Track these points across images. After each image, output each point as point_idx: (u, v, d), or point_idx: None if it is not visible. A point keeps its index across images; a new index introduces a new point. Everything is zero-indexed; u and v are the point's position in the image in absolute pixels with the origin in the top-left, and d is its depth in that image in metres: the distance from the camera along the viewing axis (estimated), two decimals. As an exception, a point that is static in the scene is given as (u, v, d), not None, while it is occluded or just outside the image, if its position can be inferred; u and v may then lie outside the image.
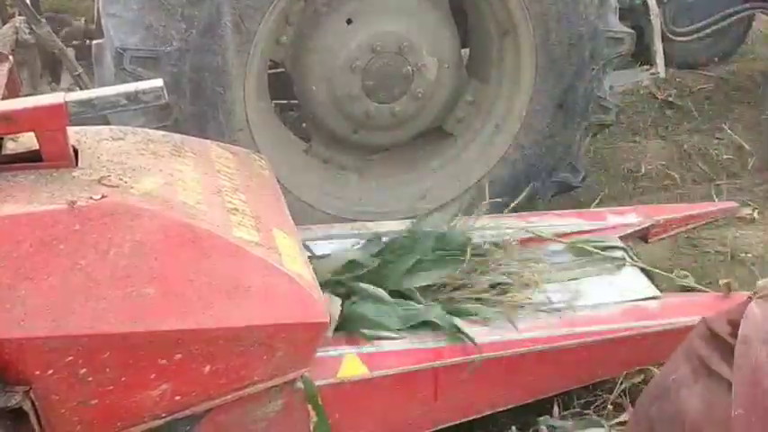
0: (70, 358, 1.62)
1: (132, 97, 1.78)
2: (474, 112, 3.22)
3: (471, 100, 3.21)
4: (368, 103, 3.00)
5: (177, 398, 1.75)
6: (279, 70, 3.12)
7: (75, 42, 3.48)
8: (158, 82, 1.80)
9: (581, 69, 3.01)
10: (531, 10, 2.90)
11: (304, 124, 3.31)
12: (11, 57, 2.26)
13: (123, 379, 1.68)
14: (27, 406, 1.61)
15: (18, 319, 1.57)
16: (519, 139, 3.11)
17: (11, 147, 1.83)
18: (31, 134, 1.76)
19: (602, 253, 2.50)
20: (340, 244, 2.51)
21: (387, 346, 2.08)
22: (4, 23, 3.10)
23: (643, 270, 2.53)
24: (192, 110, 2.68)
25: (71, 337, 1.60)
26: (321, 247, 2.45)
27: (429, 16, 3.02)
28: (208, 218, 1.78)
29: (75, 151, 1.82)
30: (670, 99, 4.62)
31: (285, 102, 3.34)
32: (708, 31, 3.94)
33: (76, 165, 1.78)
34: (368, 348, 2.06)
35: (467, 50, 3.32)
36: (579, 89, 3.05)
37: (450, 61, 3.08)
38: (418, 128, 3.18)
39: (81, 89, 3.11)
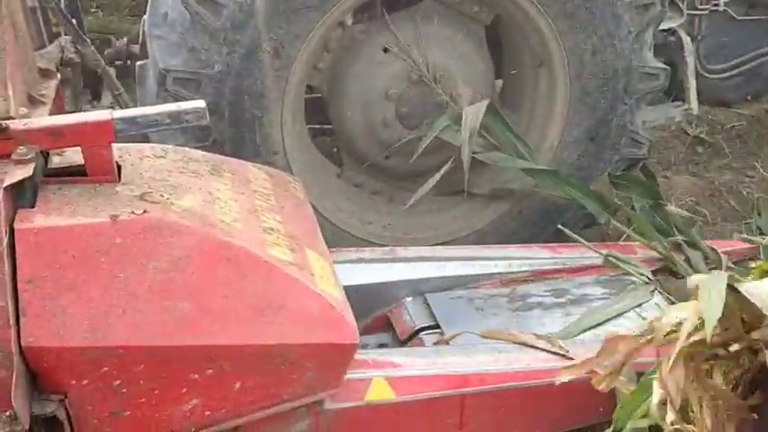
0: (105, 369, 1.64)
1: (175, 117, 1.82)
2: (506, 142, 3.23)
3: (504, 130, 3.23)
4: (401, 129, 3.04)
5: (207, 413, 1.77)
6: (314, 95, 3.17)
7: (116, 63, 3.56)
8: (200, 103, 1.84)
9: (614, 103, 3.03)
10: (566, 43, 2.93)
11: (335, 149, 3.35)
12: (58, 74, 2.33)
13: (156, 392, 1.70)
14: (62, 415, 1.64)
15: (57, 328, 1.60)
16: (550, 171, 3.12)
17: (56, 161, 1.88)
18: (77, 149, 1.81)
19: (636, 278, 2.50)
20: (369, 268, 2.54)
21: (414, 370, 2.09)
22: (51, 42, 3.18)
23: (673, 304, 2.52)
24: (231, 131, 2.74)
25: (108, 349, 1.63)
26: (351, 271, 2.48)
27: (464, 47, 3.06)
28: (244, 236, 1.81)
29: (119, 167, 1.86)
30: (702, 136, 4.61)
31: (319, 126, 3.39)
32: (741, 69, 3.94)
33: (119, 180, 1.82)
34: (396, 372, 2.07)
35: (500, 81, 3.36)
36: (612, 123, 3.06)
37: (483, 91, 3.11)
38: (450, 156, 3.20)
39: (121, 108, 3.19)
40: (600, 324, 2.34)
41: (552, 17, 2.88)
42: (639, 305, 2.44)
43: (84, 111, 3.21)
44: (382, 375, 2.06)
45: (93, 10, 5.60)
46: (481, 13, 3.09)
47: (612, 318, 2.37)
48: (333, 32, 2.92)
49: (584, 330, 2.31)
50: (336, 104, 3.08)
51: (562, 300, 2.51)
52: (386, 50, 2.98)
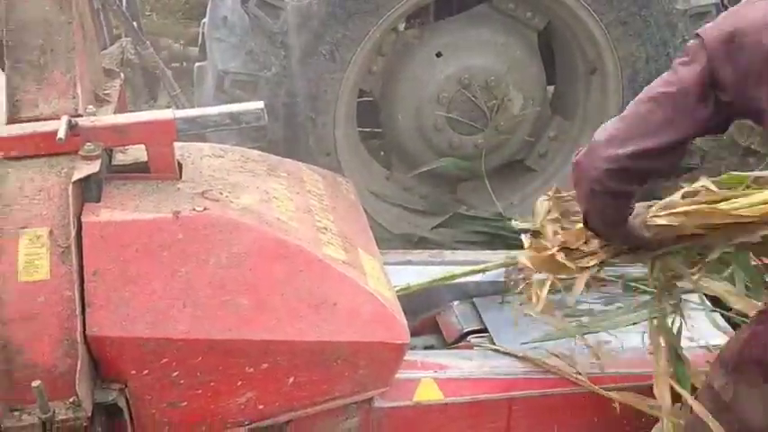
0: (165, 360, 1.69)
1: (234, 117, 1.87)
2: (556, 148, 3.24)
3: (554, 136, 3.24)
4: (451, 134, 3.06)
5: (260, 407, 1.81)
6: (365, 99, 3.21)
7: (173, 64, 3.66)
8: (259, 104, 1.88)
9: (667, 111, 3.00)
10: (620, 51, 2.92)
11: (382, 153, 3.38)
12: (121, 74, 2.40)
13: (212, 384, 1.74)
14: (122, 403, 1.69)
15: (121, 319, 1.65)
16: (600, 178, 3.10)
17: (120, 158, 1.94)
18: (140, 146, 1.87)
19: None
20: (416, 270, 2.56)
21: (463, 372, 2.10)
22: (112, 44, 3.28)
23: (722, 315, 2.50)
24: (285, 132, 2.79)
25: (168, 340, 1.68)
26: (397, 273, 2.50)
27: (517, 53, 3.07)
28: (299, 234, 1.85)
29: (180, 165, 1.92)
30: (753, 146, 4.53)
31: (369, 129, 3.43)
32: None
33: (180, 178, 1.87)
34: (444, 374, 2.09)
35: (552, 87, 3.36)
36: (664, 131, 3.03)
37: (534, 97, 3.12)
38: (500, 161, 3.21)
39: (178, 108, 3.27)
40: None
41: (606, 24, 2.88)
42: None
43: (143, 110, 3.31)
44: (431, 376, 2.08)
45: (147, 13, 5.72)
46: (534, 19, 3.09)
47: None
48: (387, 37, 2.96)
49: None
50: (388, 108, 3.11)
51: (612, 307, 2.49)
52: (438, 55, 3.01)
